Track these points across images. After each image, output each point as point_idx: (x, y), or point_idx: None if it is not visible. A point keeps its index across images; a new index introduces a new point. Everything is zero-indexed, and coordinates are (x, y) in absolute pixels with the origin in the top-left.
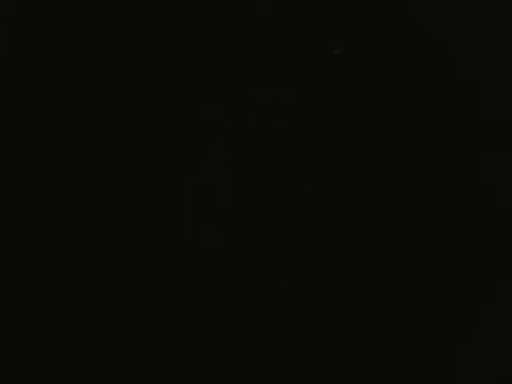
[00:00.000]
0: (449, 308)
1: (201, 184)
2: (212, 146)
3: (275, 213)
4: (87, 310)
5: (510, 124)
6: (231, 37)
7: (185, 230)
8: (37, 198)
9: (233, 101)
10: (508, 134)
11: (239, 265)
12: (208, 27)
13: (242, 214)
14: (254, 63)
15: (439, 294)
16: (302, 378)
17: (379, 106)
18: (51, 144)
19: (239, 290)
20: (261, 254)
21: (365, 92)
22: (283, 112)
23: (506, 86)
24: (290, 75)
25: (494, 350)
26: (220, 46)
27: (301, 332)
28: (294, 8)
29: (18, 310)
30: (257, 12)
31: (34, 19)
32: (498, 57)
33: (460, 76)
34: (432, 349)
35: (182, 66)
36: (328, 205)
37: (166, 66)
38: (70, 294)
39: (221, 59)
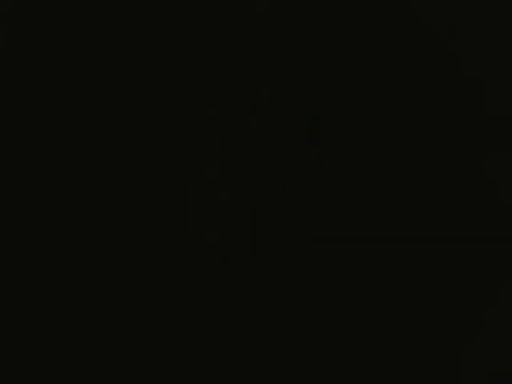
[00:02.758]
0: (449, 308)
1: (201, 184)
2: (212, 145)
3: (275, 213)
4: (87, 309)
5: (510, 124)
6: (231, 37)
7: (185, 230)
8: (37, 198)
9: (233, 101)
10: (508, 134)
11: (239, 265)
12: (208, 27)
13: (242, 214)
14: (253, 63)
15: (439, 294)
16: (302, 378)
17: (379, 105)
18: (51, 143)
19: (239, 290)
20: (261, 253)
21: (365, 92)
22: (283, 112)
23: (506, 85)
24: (290, 75)
25: (493, 350)
26: (220, 45)
27: (301, 331)
28: (294, 8)
29: (18, 310)
30: (257, 12)
31: (33, 19)
32: (498, 57)
33: (460, 76)
34: (432, 349)
35: (183, 66)
36: (328, 205)
37: (166, 66)
38: (71, 293)
39: (221, 59)
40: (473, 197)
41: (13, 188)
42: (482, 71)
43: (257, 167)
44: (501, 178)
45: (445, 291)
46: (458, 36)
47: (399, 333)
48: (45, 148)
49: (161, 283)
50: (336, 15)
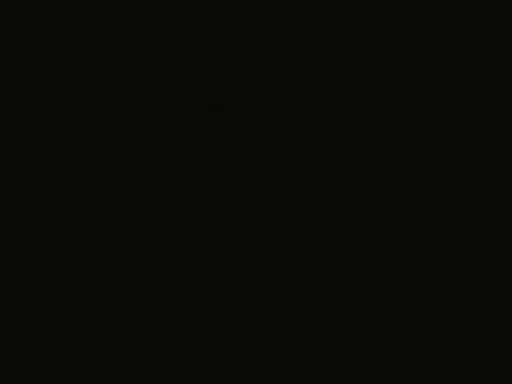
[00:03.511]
0: (447, 307)
1: (201, 184)
2: (212, 145)
3: (275, 213)
4: (87, 309)
5: (509, 124)
6: (231, 37)
7: (185, 230)
8: (37, 198)
9: (233, 101)
10: (507, 134)
11: (239, 265)
12: (208, 27)
13: (242, 214)
14: (253, 63)
15: (438, 294)
16: (302, 378)
17: (379, 105)
18: (52, 143)
19: (239, 290)
20: (261, 253)
21: (364, 92)
22: (283, 112)
23: (505, 86)
24: (290, 75)
25: (492, 349)
26: (220, 45)
27: (300, 331)
28: (294, 8)
29: (17, 310)
30: (257, 12)
31: (34, 19)
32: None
33: (459, 76)
34: (431, 348)
35: (183, 66)
36: (327, 204)
37: (166, 67)
38: (71, 293)
39: (221, 59)
40: (472, 196)
41: (13, 188)
42: (481, 68)
43: (257, 167)
44: (501, 177)
45: (444, 291)
46: (458, 35)
47: (399, 332)
48: (45, 147)
49: (160, 282)
50: (335, 15)
